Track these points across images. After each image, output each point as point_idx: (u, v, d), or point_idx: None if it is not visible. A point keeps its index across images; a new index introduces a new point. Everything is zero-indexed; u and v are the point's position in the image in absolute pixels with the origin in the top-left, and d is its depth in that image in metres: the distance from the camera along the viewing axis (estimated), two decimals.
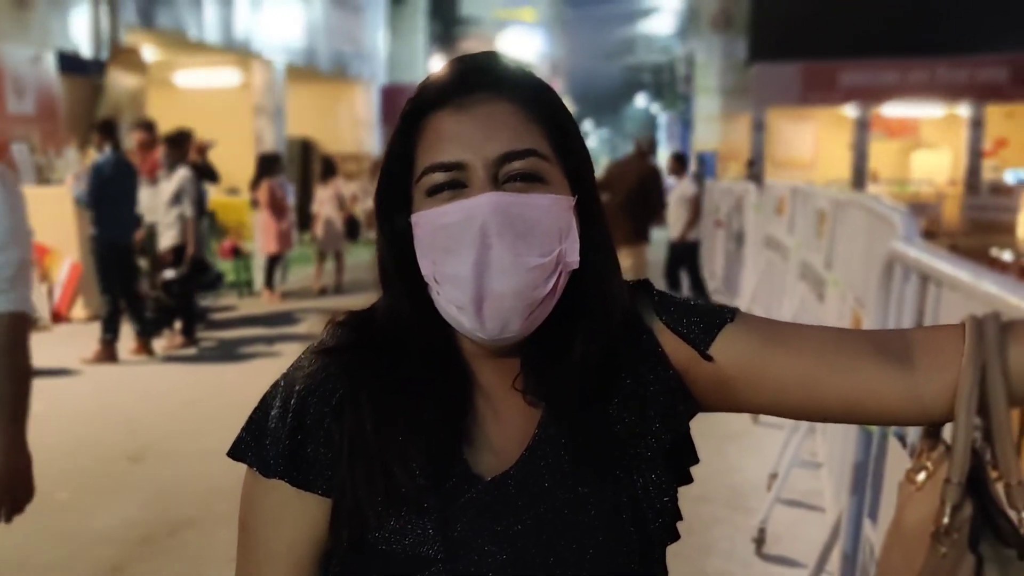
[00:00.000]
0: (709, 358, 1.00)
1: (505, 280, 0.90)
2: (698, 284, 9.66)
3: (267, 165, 10.92)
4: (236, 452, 1.01)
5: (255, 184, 10.92)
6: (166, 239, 8.08)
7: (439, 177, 0.92)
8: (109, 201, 7.49)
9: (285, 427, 0.96)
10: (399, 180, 0.96)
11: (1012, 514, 0.94)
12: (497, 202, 0.89)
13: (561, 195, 0.94)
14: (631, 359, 1.00)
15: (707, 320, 1.02)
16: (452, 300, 0.92)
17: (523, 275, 0.90)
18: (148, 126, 8.76)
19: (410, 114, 0.96)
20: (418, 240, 0.93)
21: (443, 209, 0.91)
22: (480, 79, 0.95)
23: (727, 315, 1.02)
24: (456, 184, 0.91)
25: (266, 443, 0.97)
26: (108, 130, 7.73)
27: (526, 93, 0.96)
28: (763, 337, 1.00)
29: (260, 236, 10.78)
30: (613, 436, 0.97)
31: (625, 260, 8.47)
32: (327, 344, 1.00)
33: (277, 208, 10.58)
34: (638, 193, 8.20)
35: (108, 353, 7.52)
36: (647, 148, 8.93)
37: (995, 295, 1.83)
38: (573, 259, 0.94)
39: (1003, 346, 0.93)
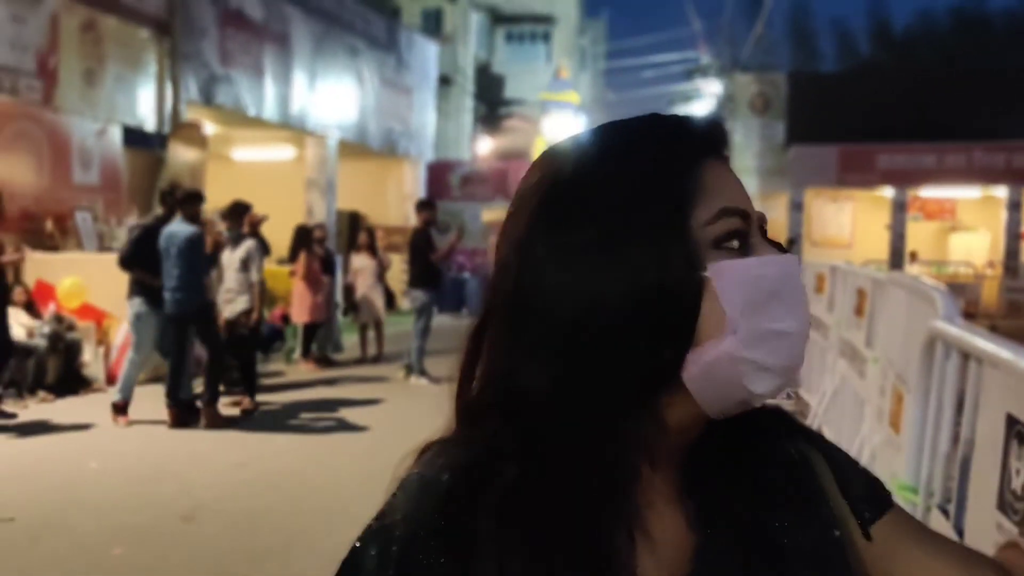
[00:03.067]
0: (868, 537, 0.89)
1: (805, 342, 0.83)
2: None
3: (303, 238, 11.17)
4: None
5: (293, 256, 11.18)
6: (239, 304, 8.24)
7: (735, 223, 0.82)
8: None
9: None
10: (664, 226, 0.80)
11: None
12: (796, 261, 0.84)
13: None
14: (785, 479, 0.89)
15: (875, 490, 0.93)
16: (758, 360, 0.80)
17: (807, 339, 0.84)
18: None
19: (686, 156, 0.84)
20: (725, 290, 0.79)
21: (765, 259, 0.82)
22: (727, 139, 0.90)
23: (888, 493, 0.93)
24: (743, 235, 0.83)
25: None
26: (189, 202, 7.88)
27: None
28: (914, 532, 0.92)
29: (295, 306, 10.96)
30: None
31: None
32: (426, 475, 0.83)
33: (313, 280, 10.78)
34: None
35: (185, 416, 7.73)
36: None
37: None
38: None
39: None
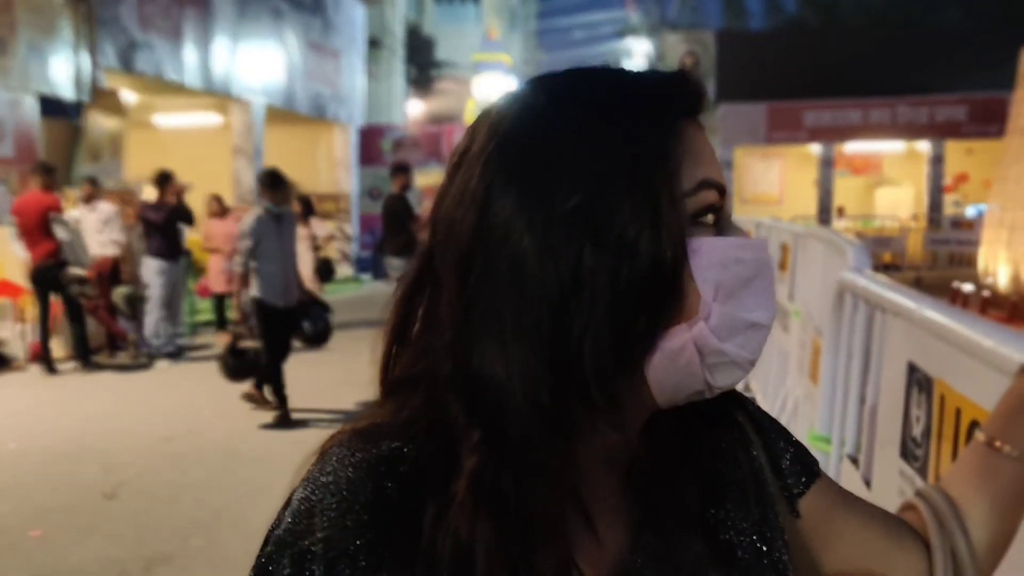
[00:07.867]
0: (797, 513, 0.87)
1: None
2: None
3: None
4: None
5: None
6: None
7: (713, 197, 0.73)
8: (260, 260, 6.90)
9: None
10: (659, 193, 0.71)
11: None
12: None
13: None
14: (735, 474, 0.84)
15: (803, 462, 0.89)
16: (728, 351, 0.72)
17: None
18: (48, 169, 8.88)
19: (668, 112, 0.74)
20: (701, 271, 0.71)
21: (744, 241, 0.73)
22: (706, 99, 0.79)
23: (814, 462, 0.90)
24: (718, 210, 0.74)
25: None
26: (273, 183, 7.09)
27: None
28: (840, 502, 0.89)
29: (212, 275, 10.71)
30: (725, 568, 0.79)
31: None
32: (352, 478, 0.70)
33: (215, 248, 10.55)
34: None
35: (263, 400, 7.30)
36: None
37: (934, 320, 1.89)
38: None
39: (961, 522, 0.87)
